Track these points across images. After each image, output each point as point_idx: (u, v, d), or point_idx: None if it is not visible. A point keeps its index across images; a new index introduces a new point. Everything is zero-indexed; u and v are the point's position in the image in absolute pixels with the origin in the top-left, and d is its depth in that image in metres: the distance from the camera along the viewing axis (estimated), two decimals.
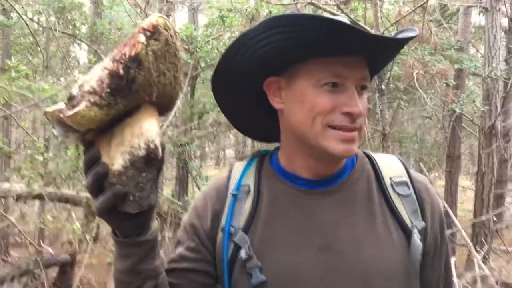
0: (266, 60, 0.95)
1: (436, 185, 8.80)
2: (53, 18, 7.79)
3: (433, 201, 1.01)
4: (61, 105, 0.80)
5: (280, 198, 1.00)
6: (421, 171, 9.01)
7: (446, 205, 6.50)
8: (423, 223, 0.97)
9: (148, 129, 0.81)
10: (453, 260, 5.55)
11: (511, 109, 9.64)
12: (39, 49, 7.88)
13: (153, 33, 0.80)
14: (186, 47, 5.63)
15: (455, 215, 6.61)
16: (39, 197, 4.39)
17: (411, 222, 0.96)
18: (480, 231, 6.58)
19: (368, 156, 1.05)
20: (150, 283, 0.89)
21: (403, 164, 1.04)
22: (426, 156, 10.07)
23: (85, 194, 5.99)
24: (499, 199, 8.36)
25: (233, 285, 0.96)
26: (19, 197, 4.16)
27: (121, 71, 0.78)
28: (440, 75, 4.93)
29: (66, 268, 6.40)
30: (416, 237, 0.94)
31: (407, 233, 0.95)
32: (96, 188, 0.79)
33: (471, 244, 5.82)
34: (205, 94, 6.40)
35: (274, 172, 1.04)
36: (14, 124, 8.03)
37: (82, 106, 0.76)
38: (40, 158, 4.10)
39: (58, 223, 6.22)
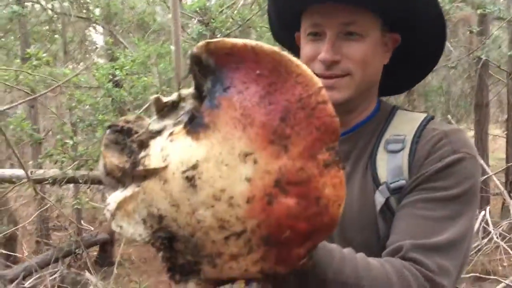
0: (285, 16, 1.02)
1: None
2: (66, 3, 7.81)
3: (433, 149, 0.91)
4: None
5: None
6: (449, 124, 8.83)
7: (477, 155, 6.41)
8: (402, 182, 0.90)
9: None
10: (487, 209, 5.51)
11: None
12: (56, 36, 7.94)
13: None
14: (201, 18, 5.58)
15: (487, 164, 6.51)
16: (73, 180, 4.51)
17: (385, 179, 0.92)
18: None
19: (392, 112, 1.02)
20: None
21: (424, 122, 0.95)
22: (454, 107, 9.87)
23: None
24: None
25: None
26: (54, 182, 4.28)
27: None
28: (463, 21, 4.76)
29: (107, 246, 6.63)
30: (380, 194, 0.91)
31: (377, 187, 0.93)
32: None
33: (505, 191, 5.75)
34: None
35: None
36: (41, 113, 8.18)
37: None
38: (70, 142, 4.19)
39: (93, 204, 6.40)
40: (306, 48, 0.97)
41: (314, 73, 0.89)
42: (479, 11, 5.23)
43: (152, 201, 0.59)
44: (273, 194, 0.55)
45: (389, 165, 0.92)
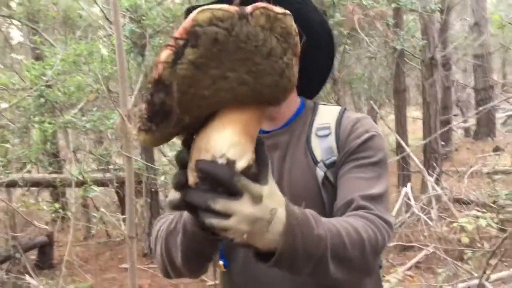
0: None
1: (388, 120, 9.28)
2: None
3: (351, 131, 1.19)
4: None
5: None
6: (372, 109, 9.47)
7: (397, 136, 6.96)
8: (333, 158, 1.18)
9: (216, 143, 0.74)
10: (409, 186, 6.05)
11: (448, 39, 10.12)
12: None
13: (188, 40, 0.69)
14: (132, 16, 5.62)
15: (407, 144, 7.09)
16: (13, 184, 4.45)
17: (321, 157, 1.19)
18: (430, 156, 7.10)
19: (315, 107, 1.29)
20: None
21: (341, 113, 1.25)
22: (376, 93, 10.53)
23: (51, 176, 6.04)
24: (446, 125, 8.95)
25: None
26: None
27: (154, 99, 0.72)
28: (380, 16, 5.19)
29: (46, 248, 6.52)
30: (320, 169, 1.18)
31: (316, 165, 1.20)
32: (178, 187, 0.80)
33: (423, 169, 6.33)
34: (155, 61, 6.43)
35: None
36: None
37: (136, 130, 0.76)
38: (8, 145, 4.14)
39: (26, 207, 6.26)
40: None
41: None
42: (393, 5, 5.69)
43: None
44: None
45: (322, 147, 1.20)
